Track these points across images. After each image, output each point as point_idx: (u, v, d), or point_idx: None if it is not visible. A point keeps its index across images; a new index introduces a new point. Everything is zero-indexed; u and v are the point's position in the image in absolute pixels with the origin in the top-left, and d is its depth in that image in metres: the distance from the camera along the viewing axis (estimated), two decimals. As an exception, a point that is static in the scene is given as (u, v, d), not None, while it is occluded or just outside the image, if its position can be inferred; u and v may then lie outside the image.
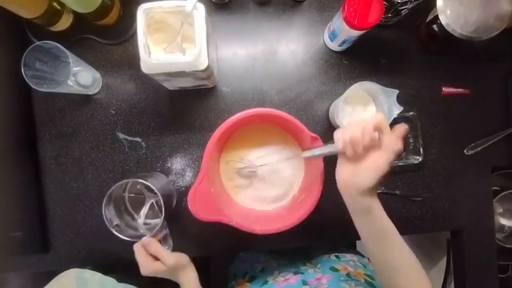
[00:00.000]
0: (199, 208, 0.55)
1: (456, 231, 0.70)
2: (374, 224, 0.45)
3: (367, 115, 0.62)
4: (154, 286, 0.73)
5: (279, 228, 0.56)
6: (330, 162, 0.65)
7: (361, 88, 0.58)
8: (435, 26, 0.60)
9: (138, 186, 0.61)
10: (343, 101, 0.57)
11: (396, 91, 0.55)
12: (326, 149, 0.49)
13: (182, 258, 0.57)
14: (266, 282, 0.64)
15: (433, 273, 0.88)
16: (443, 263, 0.82)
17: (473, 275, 0.68)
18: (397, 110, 0.54)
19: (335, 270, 0.65)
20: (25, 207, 0.63)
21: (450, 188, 0.68)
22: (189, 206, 0.55)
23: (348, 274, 0.61)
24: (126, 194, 0.60)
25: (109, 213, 0.53)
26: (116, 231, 0.53)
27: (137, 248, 0.54)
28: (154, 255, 0.54)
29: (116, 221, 0.55)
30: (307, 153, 0.53)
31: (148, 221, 0.61)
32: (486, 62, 0.68)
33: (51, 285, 0.58)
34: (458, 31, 0.55)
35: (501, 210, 0.77)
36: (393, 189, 0.66)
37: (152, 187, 0.54)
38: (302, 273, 0.64)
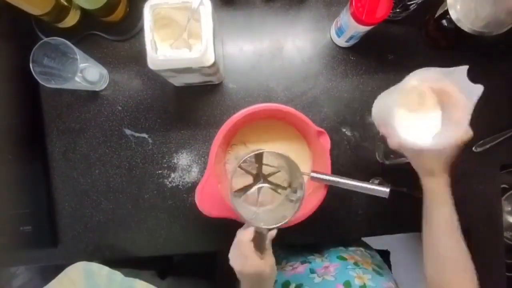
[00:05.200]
0: (207, 204, 0.55)
1: (463, 229, 0.69)
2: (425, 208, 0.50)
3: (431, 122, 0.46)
4: (161, 279, 0.74)
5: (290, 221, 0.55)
6: (338, 156, 0.65)
7: (420, 84, 0.43)
8: (444, 21, 0.59)
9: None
10: (395, 104, 0.43)
11: (465, 67, 0.41)
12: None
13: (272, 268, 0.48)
14: None
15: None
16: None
17: (480, 274, 0.67)
18: (476, 90, 0.40)
19: (342, 259, 0.65)
20: (34, 202, 0.64)
21: (458, 185, 0.67)
22: (197, 202, 0.55)
23: (355, 263, 0.61)
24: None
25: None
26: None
27: (245, 240, 0.45)
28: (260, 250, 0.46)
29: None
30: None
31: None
32: (496, 58, 0.67)
33: (60, 278, 0.59)
34: (469, 26, 0.54)
35: (509, 209, 0.77)
36: (401, 186, 0.66)
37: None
38: (310, 262, 0.64)
